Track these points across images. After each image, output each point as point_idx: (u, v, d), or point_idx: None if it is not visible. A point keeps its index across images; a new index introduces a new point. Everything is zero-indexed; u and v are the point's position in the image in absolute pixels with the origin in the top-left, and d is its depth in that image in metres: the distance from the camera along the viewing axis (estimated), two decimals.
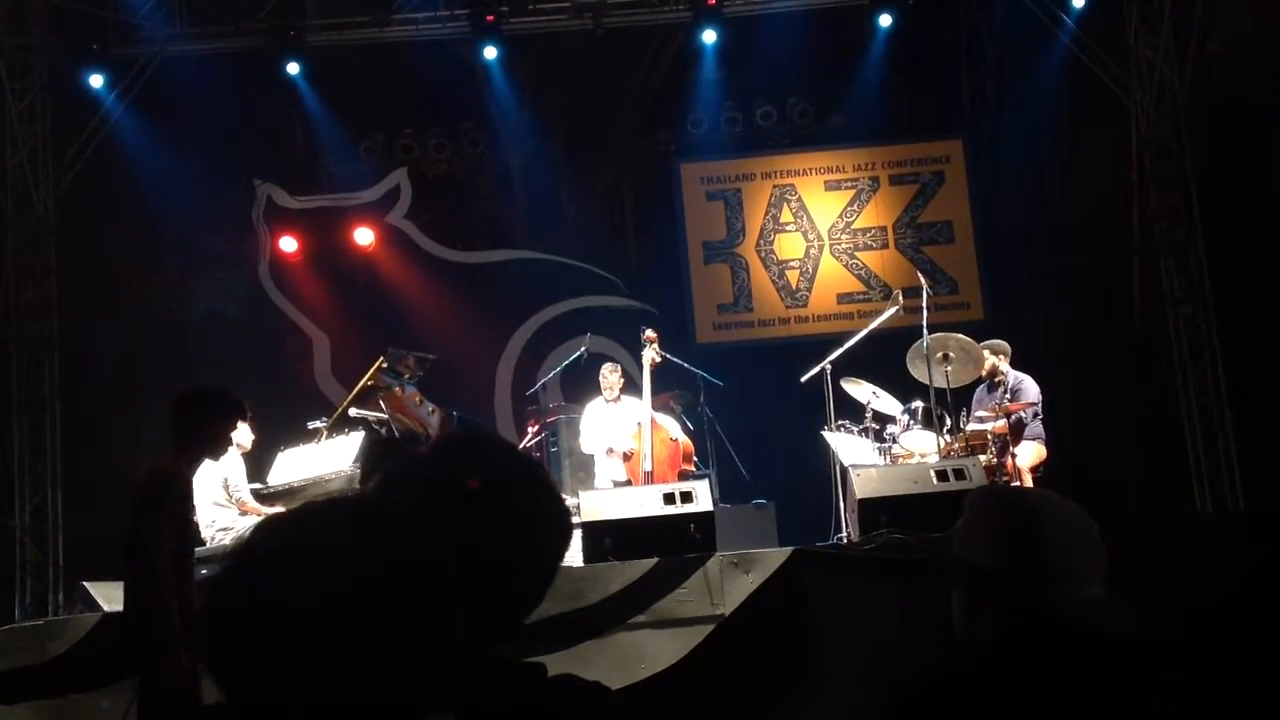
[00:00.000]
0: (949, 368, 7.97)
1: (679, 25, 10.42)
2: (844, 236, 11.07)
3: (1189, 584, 5.38)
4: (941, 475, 6.69)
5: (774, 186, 11.15)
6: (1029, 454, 7.88)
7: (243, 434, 7.85)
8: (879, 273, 10.91)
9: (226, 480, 7.58)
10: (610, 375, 8.50)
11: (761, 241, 11.08)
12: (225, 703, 1.04)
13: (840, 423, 8.03)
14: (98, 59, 9.85)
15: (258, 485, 7.71)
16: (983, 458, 7.40)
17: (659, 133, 11.26)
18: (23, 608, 9.12)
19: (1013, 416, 7.82)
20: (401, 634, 1.05)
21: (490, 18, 9.96)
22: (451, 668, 1.10)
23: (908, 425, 7.94)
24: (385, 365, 7.86)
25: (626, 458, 8.09)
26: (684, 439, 8.23)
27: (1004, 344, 8.39)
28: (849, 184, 11.17)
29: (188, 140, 10.16)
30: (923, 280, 8.61)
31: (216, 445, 4.76)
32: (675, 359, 8.65)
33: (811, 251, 11.06)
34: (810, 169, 11.19)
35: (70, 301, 9.83)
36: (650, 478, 7.77)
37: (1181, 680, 1.78)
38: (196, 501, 7.58)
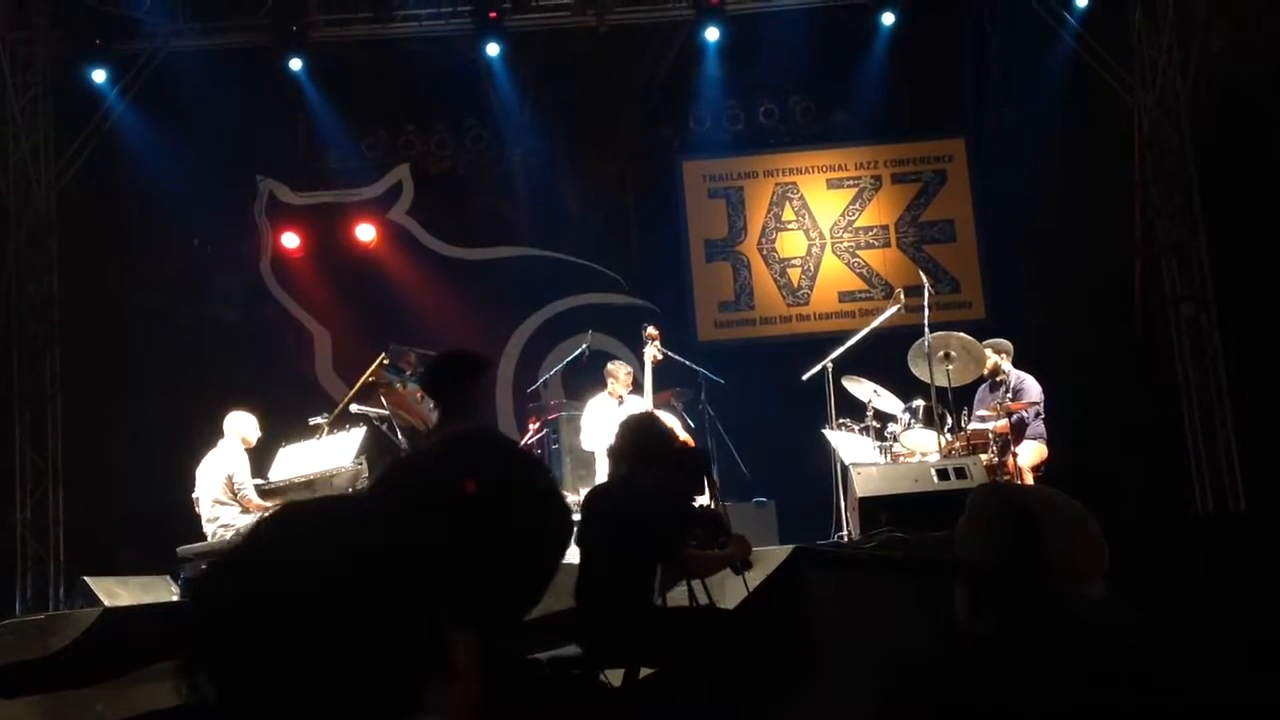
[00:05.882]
0: (950, 366, 7.97)
1: (682, 22, 10.40)
2: (846, 235, 11.05)
3: (1190, 584, 5.38)
4: (942, 474, 6.70)
5: (776, 184, 11.13)
6: (1030, 453, 7.87)
7: (249, 429, 7.86)
8: (881, 271, 10.89)
9: (231, 477, 7.59)
10: (623, 374, 8.37)
11: (763, 239, 11.07)
12: (216, 703, 1.03)
13: (841, 421, 8.03)
14: (101, 54, 9.85)
15: (259, 481, 7.72)
16: (984, 457, 7.40)
17: (661, 130, 11.22)
18: (23, 602, 9.12)
19: (1014, 416, 7.81)
20: (398, 634, 1.04)
21: (493, 14, 9.96)
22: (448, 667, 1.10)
23: (909, 424, 7.93)
24: (387, 361, 7.87)
25: None
26: (685, 437, 8.22)
27: (1006, 343, 8.39)
28: (851, 182, 11.15)
29: (190, 136, 10.14)
30: (924, 279, 8.61)
31: (486, 402, 5.21)
32: (677, 356, 8.65)
33: (813, 250, 11.05)
34: (812, 167, 11.17)
35: (72, 296, 9.82)
36: None
37: (1181, 680, 1.77)
38: (200, 496, 7.63)
